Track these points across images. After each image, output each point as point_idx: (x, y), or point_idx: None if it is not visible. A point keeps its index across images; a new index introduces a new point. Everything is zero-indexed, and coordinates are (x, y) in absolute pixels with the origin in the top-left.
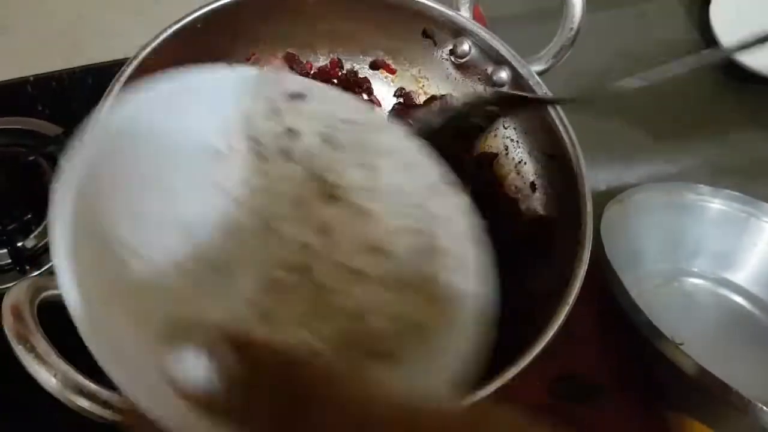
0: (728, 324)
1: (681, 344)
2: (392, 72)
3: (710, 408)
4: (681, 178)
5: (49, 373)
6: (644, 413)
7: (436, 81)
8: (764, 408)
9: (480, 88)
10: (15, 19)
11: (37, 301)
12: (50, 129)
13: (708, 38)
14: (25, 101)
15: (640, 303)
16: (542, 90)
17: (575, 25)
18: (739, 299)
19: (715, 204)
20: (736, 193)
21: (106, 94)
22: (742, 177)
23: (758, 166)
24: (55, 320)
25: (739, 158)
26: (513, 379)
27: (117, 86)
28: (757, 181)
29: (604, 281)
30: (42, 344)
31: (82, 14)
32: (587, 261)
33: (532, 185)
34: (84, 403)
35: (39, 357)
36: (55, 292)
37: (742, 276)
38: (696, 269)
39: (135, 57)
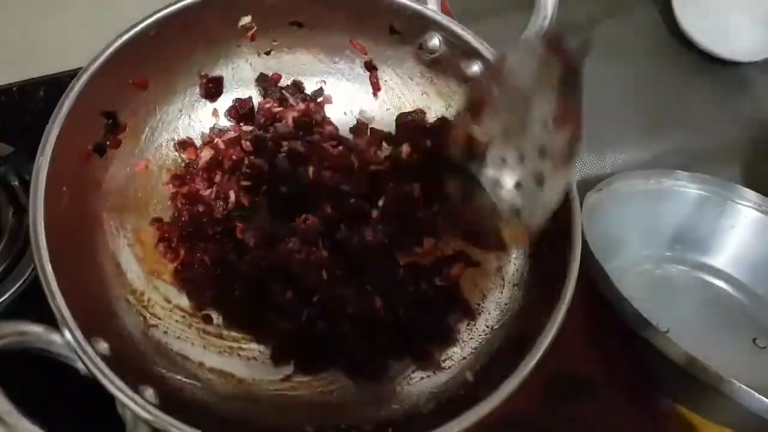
0: (711, 308)
1: (666, 331)
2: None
3: (697, 393)
4: (655, 165)
5: None
6: (636, 402)
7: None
8: (749, 390)
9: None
10: None
11: None
12: (0, 148)
13: (672, 25)
14: None
15: (623, 291)
16: None
17: (548, 15)
18: (720, 283)
19: (693, 189)
20: (713, 177)
21: (58, 107)
22: (713, 160)
23: (726, 149)
24: (8, 368)
25: (708, 142)
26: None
27: (69, 98)
28: (726, 163)
29: (587, 271)
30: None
31: (29, 23)
32: (578, 257)
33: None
34: None
35: None
36: (7, 341)
37: (722, 260)
38: (677, 255)
39: (87, 68)
